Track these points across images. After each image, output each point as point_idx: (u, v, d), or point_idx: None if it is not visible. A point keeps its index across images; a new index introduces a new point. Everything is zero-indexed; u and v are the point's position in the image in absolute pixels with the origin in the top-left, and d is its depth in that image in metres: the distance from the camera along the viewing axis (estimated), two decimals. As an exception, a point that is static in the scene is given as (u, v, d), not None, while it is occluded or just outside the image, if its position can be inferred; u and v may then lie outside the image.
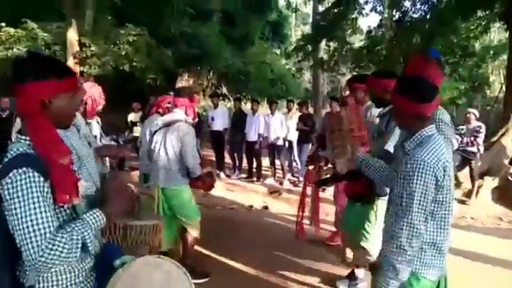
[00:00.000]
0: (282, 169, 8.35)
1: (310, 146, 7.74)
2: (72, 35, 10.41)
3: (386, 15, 13.51)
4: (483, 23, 11.48)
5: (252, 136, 8.36)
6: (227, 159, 9.08)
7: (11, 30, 10.31)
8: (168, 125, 3.42)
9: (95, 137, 3.47)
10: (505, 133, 7.84)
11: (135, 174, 7.20)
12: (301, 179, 7.65)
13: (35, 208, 1.28)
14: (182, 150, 3.34)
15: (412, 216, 1.74)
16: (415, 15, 12.42)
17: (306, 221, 4.55)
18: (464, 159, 6.66)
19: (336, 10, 13.37)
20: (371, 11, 13.95)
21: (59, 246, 1.29)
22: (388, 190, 2.28)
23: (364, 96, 3.38)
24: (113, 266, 1.58)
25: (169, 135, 3.37)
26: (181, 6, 13.98)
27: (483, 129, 6.67)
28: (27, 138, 1.38)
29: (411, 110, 1.81)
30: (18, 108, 1.44)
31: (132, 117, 9.43)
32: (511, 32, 8.33)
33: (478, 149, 6.67)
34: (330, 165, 4.43)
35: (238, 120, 8.58)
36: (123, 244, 2.12)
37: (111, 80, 11.56)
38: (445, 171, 1.76)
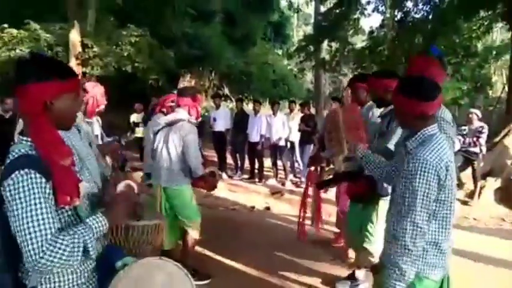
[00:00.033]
0: (284, 170, 8.35)
1: (312, 146, 7.73)
2: (74, 36, 10.43)
3: (388, 15, 13.51)
4: (485, 23, 11.47)
5: (254, 137, 8.36)
6: (229, 159, 9.09)
7: (14, 31, 10.33)
8: (170, 124, 3.41)
9: (96, 136, 3.47)
10: (508, 133, 7.81)
11: (138, 175, 7.21)
12: (303, 179, 7.65)
13: (36, 209, 1.28)
14: (184, 150, 3.33)
15: (416, 216, 1.73)
16: (417, 16, 12.44)
17: (307, 222, 4.56)
18: (467, 159, 6.64)
19: (337, 10, 13.39)
20: (373, 11, 13.98)
21: (59, 248, 1.29)
22: (389, 190, 2.28)
23: (366, 95, 3.38)
24: (114, 268, 1.58)
25: (172, 134, 3.37)
26: (183, 7, 13.99)
27: (485, 130, 6.66)
28: (29, 139, 1.38)
29: (414, 109, 1.81)
30: (20, 109, 1.44)
31: (134, 117, 9.44)
32: (513, 32, 8.31)
33: (481, 150, 6.65)
34: (331, 166, 4.44)
35: (240, 121, 8.58)
36: (125, 244, 2.12)
37: (113, 81, 11.57)
38: (448, 171, 1.75)
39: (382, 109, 2.93)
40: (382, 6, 13.79)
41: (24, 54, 8.80)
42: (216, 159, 8.97)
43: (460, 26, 10.96)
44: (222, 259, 4.08)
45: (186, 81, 17.30)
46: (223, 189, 7.12)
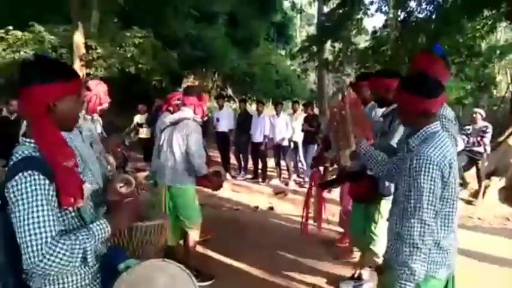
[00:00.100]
0: (288, 170, 8.35)
1: (315, 146, 7.74)
2: (78, 37, 10.49)
3: (391, 15, 13.46)
4: (489, 23, 11.39)
5: (258, 137, 8.37)
6: (233, 160, 9.10)
7: (18, 33, 10.40)
8: (175, 123, 3.42)
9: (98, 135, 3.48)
10: (512, 133, 7.79)
11: (141, 175, 7.23)
12: (307, 179, 7.65)
13: (37, 211, 1.28)
14: (188, 149, 3.32)
15: (423, 213, 1.71)
16: (420, 15, 12.37)
17: (311, 222, 4.56)
18: (471, 159, 6.62)
19: (341, 11, 13.35)
20: (376, 11, 13.93)
21: (59, 253, 1.29)
22: (392, 189, 2.28)
23: (369, 94, 3.37)
24: (117, 270, 1.57)
25: (176, 133, 3.37)
26: (186, 8, 14.04)
27: (490, 129, 6.63)
28: (32, 141, 1.38)
29: (416, 107, 1.80)
30: (22, 110, 1.45)
31: (138, 118, 9.48)
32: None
33: (485, 149, 6.63)
34: (335, 166, 4.44)
35: (244, 121, 8.59)
36: (129, 245, 2.12)
37: (117, 82, 11.61)
38: (451, 168, 1.75)
39: (384, 109, 2.93)
40: (385, 6, 13.75)
41: (28, 56, 8.86)
42: (219, 159, 8.99)
43: (463, 26, 10.89)
44: (225, 259, 4.08)
45: (189, 82, 17.32)
46: (227, 190, 7.13)
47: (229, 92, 20.09)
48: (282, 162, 8.45)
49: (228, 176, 8.49)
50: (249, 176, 8.71)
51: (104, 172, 2.24)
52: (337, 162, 2.72)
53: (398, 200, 1.88)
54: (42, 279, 1.40)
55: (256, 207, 6.38)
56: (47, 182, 1.32)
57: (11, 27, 10.32)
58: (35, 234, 1.27)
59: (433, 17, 11.73)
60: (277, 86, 20.16)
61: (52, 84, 1.37)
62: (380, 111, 3.02)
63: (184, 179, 3.43)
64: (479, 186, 6.81)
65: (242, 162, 8.86)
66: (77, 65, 10.39)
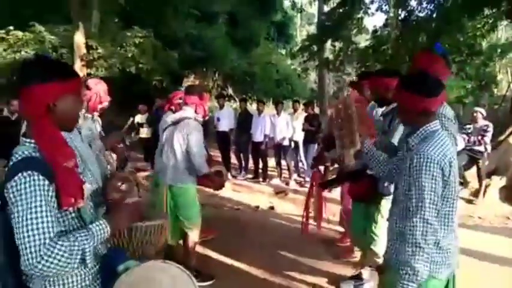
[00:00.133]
0: (288, 169, 8.35)
1: (316, 146, 7.74)
2: (79, 37, 10.50)
3: (392, 14, 13.45)
4: (490, 21, 11.38)
5: (258, 137, 8.37)
6: (233, 159, 9.11)
7: (19, 33, 10.42)
8: (176, 122, 3.42)
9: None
10: (513, 132, 7.79)
11: (141, 175, 7.24)
12: (307, 179, 7.65)
13: (36, 212, 1.28)
14: (188, 148, 3.32)
15: (425, 212, 1.70)
16: (421, 14, 12.35)
17: (311, 221, 4.56)
18: (472, 158, 6.62)
19: (341, 10, 13.34)
20: (377, 10, 13.91)
21: (57, 254, 1.28)
22: (392, 189, 2.27)
23: (369, 93, 3.36)
24: (116, 271, 1.56)
25: (177, 133, 3.37)
26: (186, 8, 14.04)
27: (490, 128, 6.63)
28: (32, 141, 1.38)
29: (416, 106, 1.80)
30: (22, 110, 1.44)
31: (138, 118, 9.49)
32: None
33: (486, 148, 6.63)
34: (335, 166, 4.44)
35: (244, 120, 8.60)
36: (128, 246, 2.12)
37: (117, 82, 11.62)
38: (451, 167, 1.74)
39: (383, 108, 2.93)
40: (385, 5, 13.73)
41: (29, 56, 8.86)
42: (220, 159, 9.00)
43: (464, 25, 10.88)
44: (226, 259, 4.09)
45: (189, 82, 17.33)
46: (228, 189, 7.13)
47: (230, 91, 20.10)
48: (283, 162, 8.45)
49: (228, 175, 8.50)
50: (250, 176, 8.71)
51: (103, 172, 2.23)
52: (341, 161, 2.69)
53: (398, 199, 1.87)
54: (42, 280, 1.40)
55: (257, 207, 6.38)
56: (47, 182, 1.31)
57: (11, 28, 10.34)
58: (33, 235, 1.26)
59: (434, 15, 11.71)
60: (277, 85, 20.17)
61: (52, 83, 1.37)
62: (380, 110, 3.02)
63: (185, 178, 3.43)
64: (480, 185, 6.81)
65: (243, 162, 8.87)
66: (78, 65, 10.40)
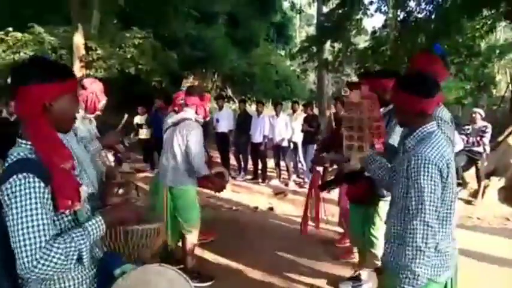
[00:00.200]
0: (287, 170, 8.35)
1: (315, 147, 7.74)
2: (78, 38, 10.49)
3: (391, 15, 13.45)
4: (489, 22, 11.41)
5: (257, 137, 8.38)
6: (232, 160, 9.11)
7: (18, 34, 10.40)
8: (176, 123, 3.42)
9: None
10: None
11: (140, 176, 7.24)
12: (307, 180, 7.66)
13: (32, 215, 1.25)
14: (188, 149, 3.31)
15: (426, 214, 1.67)
16: (420, 15, 12.37)
17: (310, 223, 4.57)
18: (470, 159, 6.63)
19: (340, 11, 13.35)
20: (376, 11, 13.90)
21: (53, 257, 1.26)
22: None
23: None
24: (113, 275, 1.55)
25: (177, 134, 3.37)
26: (186, 8, 14.04)
27: (489, 129, 6.64)
28: (28, 142, 1.36)
29: (413, 106, 1.78)
30: (18, 111, 1.41)
31: (137, 119, 9.49)
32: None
33: (484, 149, 6.64)
34: (334, 167, 4.44)
35: (243, 121, 8.60)
36: (124, 249, 2.11)
37: (117, 83, 11.62)
38: (449, 168, 1.73)
39: (381, 109, 2.92)
40: (384, 6, 13.74)
41: (28, 58, 8.85)
42: (219, 160, 9.00)
43: (463, 26, 10.90)
44: (225, 260, 4.09)
45: (189, 83, 17.33)
46: (227, 190, 7.10)
47: (229, 92, 20.09)
48: (282, 163, 8.45)
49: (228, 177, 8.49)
50: (249, 177, 8.71)
51: (99, 174, 2.22)
52: (346, 162, 2.63)
53: (396, 201, 1.85)
54: (38, 284, 1.38)
55: (256, 208, 6.38)
56: (42, 184, 1.29)
57: (10, 29, 10.33)
58: (29, 238, 1.24)
59: (433, 17, 11.73)
60: (276, 86, 20.17)
61: (48, 83, 1.35)
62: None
63: (185, 180, 3.42)
64: (479, 186, 6.82)
65: (242, 163, 8.87)
66: (77, 66, 10.39)
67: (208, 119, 3.80)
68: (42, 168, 1.31)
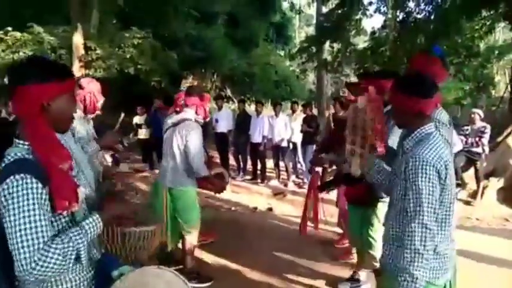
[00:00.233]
0: (287, 171, 8.35)
1: (314, 147, 7.74)
2: (77, 38, 10.48)
3: (390, 15, 13.47)
4: (488, 23, 11.42)
5: (257, 138, 8.38)
6: (231, 160, 9.11)
7: (18, 34, 10.40)
8: (176, 124, 3.41)
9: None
10: (511, 133, 7.81)
11: (139, 176, 7.24)
12: (306, 180, 7.65)
13: (29, 217, 1.24)
14: (187, 149, 3.30)
15: (424, 217, 1.65)
16: (419, 16, 12.38)
17: (309, 223, 4.57)
18: (469, 159, 6.64)
19: (339, 11, 13.36)
20: (375, 12, 13.92)
21: (52, 258, 1.25)
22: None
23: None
24: (111, 277, 1.54)
25: (176, 134, 3.36)
26: (185, 8, 14.03)
27: (488, 130, 6.65)
28: (26, 142, 1.34)
29: (411, 107, 1.77)
30: (15, 111, 1.40)
31: (137, 119, 9.49)
32: (516, 32, 8.31)
33: (483, 150, 6.65)
34: (334, 167, 4.43)
35: (243, 122, 8.60)
36: (121, 251, 2.10)
37: (116, 83, 11.61)
38: (447, 170, 1.71)
39: None
40: (384, 6, 13.75)
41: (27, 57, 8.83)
42: (218, 160, 8.99)
43: (462, 26, 10.91)
44: (224, 261, 4.09)
45: (188, 83, 17.33)
46: (226, 191, 7.13)
47: (228, 92, 20.09)
48: (281, 163, 8.45)
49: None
50: (248, 177, 8.71)
51: (96, 175, 2.20)
52: (346, 165, 2.60)
53: (395, 203, 1.83)
54: (36, 286, 1.37)
55: (255, 208, 6.38)
56: (40, 185, 1.28)
57: (10, 28, 10.32)
58: (27, 240, 1.23)
59: (432, 17, 11.75)
60: (276, 86, 20.17)
61: (46, 83, 1.34)
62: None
63: (185, 181, 3.40)
64: (478, 186, 6.83)
65: (241, 163, 8.87)
66: (76, 66, 10.39)
67: (208, 119, 3.79)
68: (40, 168, 1.30)
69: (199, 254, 4.09)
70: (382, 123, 2.26)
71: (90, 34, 10.77)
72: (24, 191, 1.25)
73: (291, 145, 8.30)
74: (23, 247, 1.23)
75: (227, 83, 19.83)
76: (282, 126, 8.17)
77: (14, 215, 1.24)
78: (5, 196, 1.25)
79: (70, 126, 1.54)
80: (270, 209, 6.38)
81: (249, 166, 8.88)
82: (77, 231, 1.36)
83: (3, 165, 1.32)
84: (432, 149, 1.71)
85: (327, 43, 15.11)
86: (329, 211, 5.20)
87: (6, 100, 6.13)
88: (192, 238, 3.53)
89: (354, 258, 3.96)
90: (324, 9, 16.37)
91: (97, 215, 1.45)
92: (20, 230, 1.23)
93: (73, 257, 1.31)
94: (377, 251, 2.94)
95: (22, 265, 1.23)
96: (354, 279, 3.50)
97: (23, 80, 1.33)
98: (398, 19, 13.05)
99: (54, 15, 11.66)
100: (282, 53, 23.81)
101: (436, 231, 1.69)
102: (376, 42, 13.57)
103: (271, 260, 4.12)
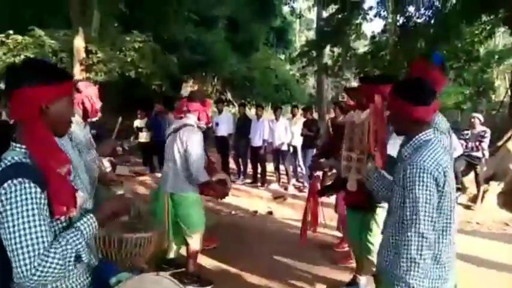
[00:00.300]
0: (287, 174, 8.35)
1: (314, 151, 7.74)
2: (79, 42, 10.52)
3: (390, 20, 13.52)
4: (488, 28, 11.48)
5: (257, 141, 8.38)
6: (232, 164, 9.11)
7: (19, 37, 10.43)
8: (177, 129, 3.41)
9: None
10: (511, 138, 7.81)
11: (137, 180, 7.24)
12: (306, 184, 7.65)
13: (29, 222, 1.21)
14: (187, 154, 3.29)
15: (420, 226, 1.63)
16: (419, 20, 12.45)
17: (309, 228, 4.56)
18: (469, 164, 6.65)
19: (340, 16, 13.43)
20: (375, 16, 13.97)
21: (52, 263, 1.23)
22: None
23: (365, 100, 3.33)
24: (108, 284, 1.52)
25: (177, 139, 3.35)
26: (186, 12, 14.08)
27: (488, 134, 6.66)
28: (23, 146, 1.32)
29: (409, 114, 1.75)
30: (13, 113, 1.37)
31: (137, 123, 9.51)
32: (515, 36, 8.33)
33: (483, 154, 6.66)
34: (334, 171, 4.43)
35: (243, 125, 8.61)
36: (117, 257, 2.09)
37: (117, 87, 11.64)
38: (445, 177, 1.68)
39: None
40: (384, 11, 13.80)
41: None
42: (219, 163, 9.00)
43: (462, 31, 10.97)
44: (224, 265, 4.07)
45: (189, 87, 17.37)
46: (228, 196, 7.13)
47: (229, 96, 20.13)
48: (281, 167, 8.45)
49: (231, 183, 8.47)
50: (248, 181, 8.71)
51: (92, 180, 2.19)
52: (343, 180, 2.59)
53: (394, 211, 1.81)
54: None
55: (255, 212, 6.37)
56: (38, 190, 1.25)
57: (11, 32, 10.36)
58: (27, 246, 1.20)
59: (432, 22, 11.81)
60: (276, 90, 20.20)
61: (46, 85, 1.32)
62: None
63: (186, 187, 3.38)
64: (478, 191, 6.82)
65: (241, 167, 8.87)
66: (77, 69, 10.42)
67: (210, 124, 3.78)
68: (38, 172, 1.27)
69: (200, 257, 4.07)
70: (384, 136, 2.24)
71: (91, 37, 10.81)
72: (23, 196, 1.22)
73: (291, 149, 8.30)
74: (22, 253, 1.20)
75: (227, 86, 19.87)
76: (282, 130, 8.18)
77: (13, 220, 1.21)
78: (2, 201, 1.22)
79: (68, 130, 1.52)
80: (270, 213, 6.37)
81: (249, 170, 8.88)
82: (73, 232, 1.33)
83: (0, 169, 1.29)
84: (430, 156, 1.69)
85: (327, 47, 15.18)
86: (328, 215, 5.18)
87: (7, 102, 6.14)
88: (194, 242, 3.50)
89: (354, 262, 3.95)
90: (325, 14, 16.44)
91: (91, 215, 1.42)
92: (20, 236, 1.20)
93: (72, 259, 1.29)
94: (375, 256, 2.93)
95: (22, 271, 1.20)
96: (354, 284, 3.48)
97: (18, 83, 1.31)
98: (398, 23, 13.10)
99: (55, 19, 11.71)
100: (282, 57, 23.88)
101: (433, 240, 1.67)
102: (377, 46, 13.63)
103: (271, 264, 4.11)
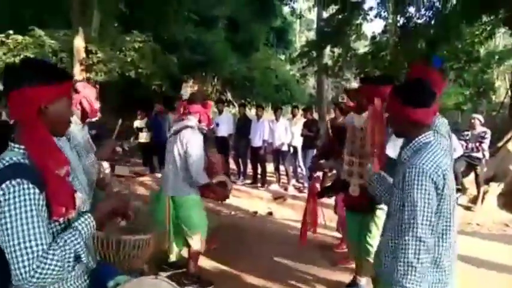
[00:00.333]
0: (287, 175, 8.35)
1: (314, 151, 7.74)
2: (79, 42, 10.51)
3: (390, 20, 13.51)
4: (488, 29, 11.48)
5: (257, 142, 8.38)
6: (232, 165, 9.10)
7: (19, 37, 10.42)
8: (178, 131, 3.40)
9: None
10: (511, 138, 7.81)
11: (138, 180, 7.24)
12: (306, 184, 7.65)
13: (27, 223, 1.20)
14: (187, 155, 3.28)
15: (418, 229, 1.61)
16: (419, 21, 12.44)
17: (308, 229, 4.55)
18: (470, 165, 6.65)
19: (340, 16, 13.42)
20: (375, 16, 13.96)
21: (51, 265, 1.21)
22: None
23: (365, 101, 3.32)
24: (106, 287, 1.51)
25: (177, 142, 3.35)
26: (186, 12, 14.08)
27: (488, 135, 6.66)
28: (22, 146, 1.30)
29: (408, 116, 1.73)
30: (12, 114, 1.36)
31: (137, 123, 9.50)
32: (516, 37, 8.34)
33: (484, 155, 6.66)
34: (334, 172, 4.43)
35: (243, 126, 8.61)
36: (115, 259, 2.08)
37: (117, 87, 11.64)
38: (445, 179, 1.66)
39: None
40: (384, 11, 13.79)
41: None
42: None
43: (462, 31, 10.97)
44: (224, 265, 4.07)
45: (189, 87, 17.36)
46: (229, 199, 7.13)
47: (229, 96, 20.11)
48: (281, 167, 8.45)
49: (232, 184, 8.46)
50: (248, 181, 8.71)
51: (90, 181, 2.18)
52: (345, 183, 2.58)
53: (393, 214, 1.80)
54: None
55: (255, 213, 6.37)
56: (37, 191, 1.23)
57: (11, 32, 10.35)
58: (25, 248, 1.19)
59: (432, 22, 11.80)
60: (276, 90, 20.18)
61: (45, 85, 1.31)
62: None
63: (186, 189, 3.37)
64: (478, 192, 6.82)
65: (241, 167, 8.87)
66: (77, 69, 10.41)
67: (211, 126, 3.77)
68: (36, 173, 1.26)
69: (200, 258, 4.07)
70: (383, 139, 2.23)
71: (91, 37, 10.80)
72: (22, 197, 1.20)
73: (291, 149, 8.31)
74: (21, 255, 1.19)
75: (227, 87, 19.85)
76: (282, 130, 8.18)
77: (11, 222, 1.19)
78: (0, 202, 1.21)
79: (67, 131, 1.51)
80: (270, 213, 6.37)
81: (249, 170, 8.87)
82: (71, 233, 1.32)
83: None
84: (429, 159, 1.67)
85: (328, 48, 15.19)
86: (328, 215, 5.18)
87: (7, 102, 6.14)
88: (195, 243, 3.49)
89: (353, 263, 3.95)
90: (325, 14, 16.42)
91: (89, 214, 1.41)
92: (18, 238, 1.19)
93: (71, 260, 1.28)
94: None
95: (21, 273, 1.19)
96: (355, 284, 3.48)
97: (17, 83, 1.29)
98: (398, 24, 13.09)
99: (55, 19, 11.70)
100: (282, 57, 23.85)
101: (432, 244, 1.65)
102: (377, 47, 13.62)
103: (271, 265, 4.10)
